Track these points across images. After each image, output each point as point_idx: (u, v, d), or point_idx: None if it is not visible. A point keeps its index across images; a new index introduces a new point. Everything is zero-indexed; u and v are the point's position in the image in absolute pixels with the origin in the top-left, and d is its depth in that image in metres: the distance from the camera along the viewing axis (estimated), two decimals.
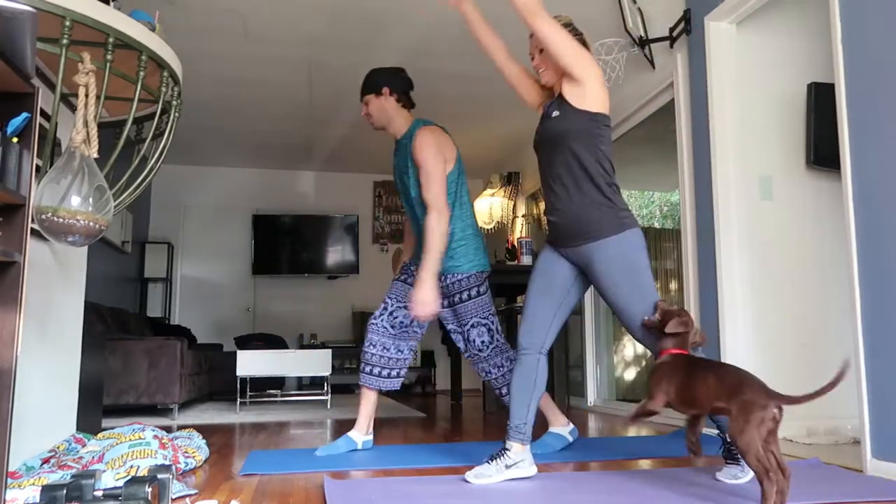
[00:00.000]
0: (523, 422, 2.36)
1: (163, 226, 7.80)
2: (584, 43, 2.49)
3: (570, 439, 3.07)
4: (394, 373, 3.07)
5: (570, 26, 2.51)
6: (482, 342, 2.99)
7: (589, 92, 2.34)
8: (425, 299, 2.72)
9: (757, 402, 1.79)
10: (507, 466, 2.31)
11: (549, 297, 2.42)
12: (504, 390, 3.02)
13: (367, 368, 3.05)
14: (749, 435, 1.75)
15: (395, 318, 3.06)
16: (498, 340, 3.01)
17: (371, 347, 3.05)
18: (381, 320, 3.06)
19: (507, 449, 2.34)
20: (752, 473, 2.23)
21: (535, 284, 2.45)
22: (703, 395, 1.91)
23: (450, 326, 3.08)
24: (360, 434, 3.06)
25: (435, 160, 2.87)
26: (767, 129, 3.61)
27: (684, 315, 2.12)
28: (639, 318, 2.25)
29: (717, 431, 2.40)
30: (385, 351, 3.05)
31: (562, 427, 3.08)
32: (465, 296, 2.98)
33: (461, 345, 3.07)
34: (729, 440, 2.28)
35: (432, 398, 6.73)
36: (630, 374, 5.86)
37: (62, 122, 2.45)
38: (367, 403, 3.06)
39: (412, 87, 3.11)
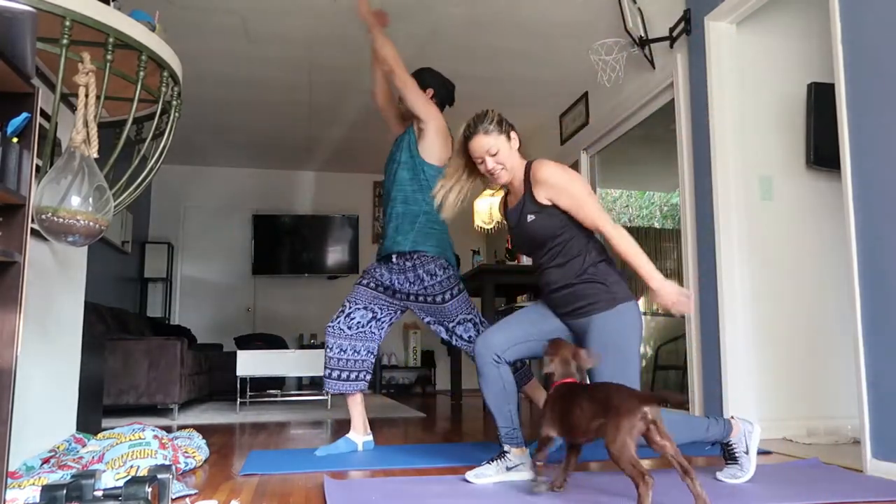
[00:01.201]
0: (511, 427, 2.36)
1: (163, 226, 7.80)
2: (512, 126, 2.50)
3: None
4: (353, 375, 3.04)
5: (500, 117, 2.48)
6: (469, 336, 3.01)
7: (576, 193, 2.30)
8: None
9: (623, 408, 1.82)
10: (508, 469, 2.32)
11: (527, 328, 2.41)
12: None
13: (327, 372, 3.05)
14: (620, 441, 1.78)
15: (352, 318, 3.05)
16: (483, 330, 3.01)
17: (328, 351, 3.06)
18: (338, 322, 3.06)
19: (506, 452, 2.35)
20: (751, 473, 2.23)
21: (527, 313, 2.47)
22: (581, 419, 1.94)
23: (427, 319, 3.08)
24: (360, 435, 3.06)
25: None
26: (767, 129, 3.61)
27: (550, 352, 2.15)
28: None
29: None
30: (342, 353, 3.03)
31: None
32: (455, 291, 3.00)
33: (445, 336, 3.08)
34: (724, 442, 2.29)
35: (432, 398, 6.73)
36: None
37: (62, 122, 2.45)
38: (354, 405, 3.07)
39: (452, 104, 3.22)
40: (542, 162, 2.35)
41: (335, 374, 3.03)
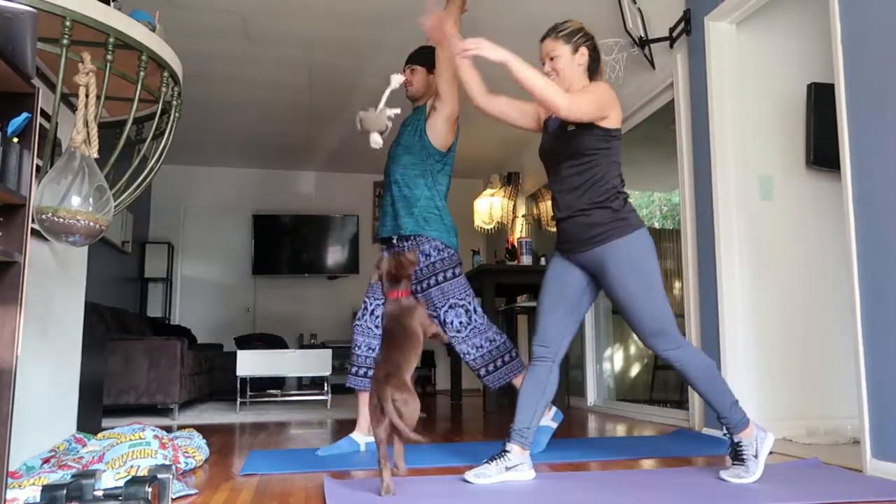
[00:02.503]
0: (527, 426, 2.36)
1: (163, 226, 7.80)
2: (595, 48, 2.49)
3: (555, 425, 3.06)
4: None
5: (580, 31, 2.47)
6: (459, 323, 2.98)
7: (610, 116, 2.35)
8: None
9: (371, 398, 2.09)
10: (507, 468, 2.31)
11: (562, 306, 2.43)
12: (483, 371, 3.01)
13: (354, 370, 3.05)
14: (374, 431, 2.05)
15: (376, 316, 3.06)
16: (476, 321, 3.00)
17: (356, 349, 3.05)
18: (365, 321, 3.06)
19: (507, 451, 2.34)
20: (757, 474, 2.23)
21: (548, 292, 2.46)
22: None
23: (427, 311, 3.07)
24: (363, 435, 3.06)
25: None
26: (767, 129, 3.61)
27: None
28: (646, 323, 2.27)
29: (724, 432, 2.41)
30: (370, 351, 3.04)
31: (545, 416, 3.06)
32: (448, 274, 2.99)
33: (439, 329, 3.06)
34: (734, 440, 2.29)
35: (432, 398, 6.73)
36: (630, 374, 5.86)
37: (62, 122, 2.45)
38: (364, 402, 3.06)
39: None
40: (598, 82, 2.41)
41: (362, 371, 3.04)
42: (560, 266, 2.45)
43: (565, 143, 2.38)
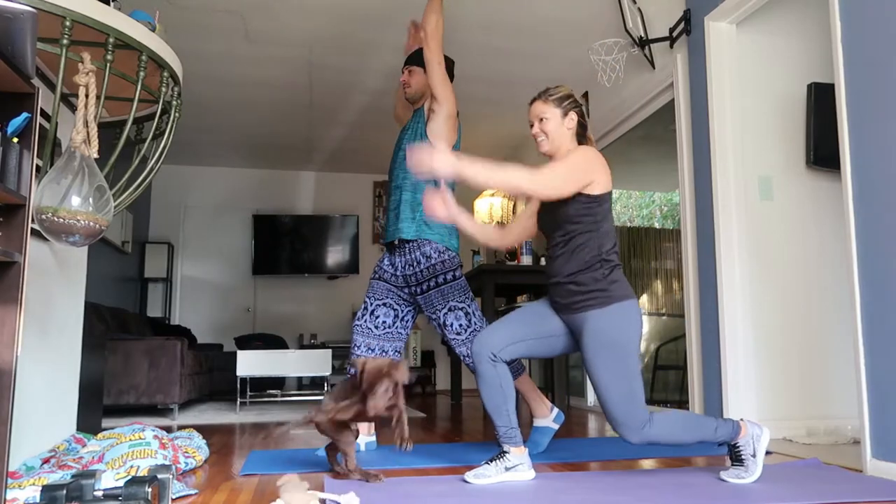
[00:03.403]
0: (509, 428, 2.36)
1: (163, 226, 7.80)
2: (583, 115, 2.50)
3: (556, 426, 3.05)
4: None
5: (570, 97, 2.48)
6: (459, 325, 2.98)
7: (599, 182, 2.33)
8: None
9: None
10: (507, 469, 2.31)
11: (526, 328, 2.42)
12: None
13: (353, 371, 3.04)
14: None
15: (377, 317, 3.05)
16: (476, 324, 2.99)
17: (356, 348, 3.04)
18: (364, 321, 3.05)
19: (506, 452, 2.35)
20: (755, 476, 2.23)
21: (523, 313, 2.46)
22: None
23: (426, 313, 3.07)
24: (363, 435, 3.06)
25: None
26: (767, 129, 3.61)
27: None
28: (612, 403, 2.22)
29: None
30: (369, 352, 3.03)
31: (545, 417, 3.06)
32: (448, 276, 2.99)
33: (438, 331, 3.07)
34: (731, 443, 2.29)
35: (432, 398, 6.73)
36: None
37: (62, 122, 2.45)
38: None
39: (452, 79, 3.20)
40: (582, 147, 2.40)
41: None
42: (548, 307, 2.46)
43: (552, 212, 2.39)
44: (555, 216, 2.39)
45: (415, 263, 2.99)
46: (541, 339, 2.42)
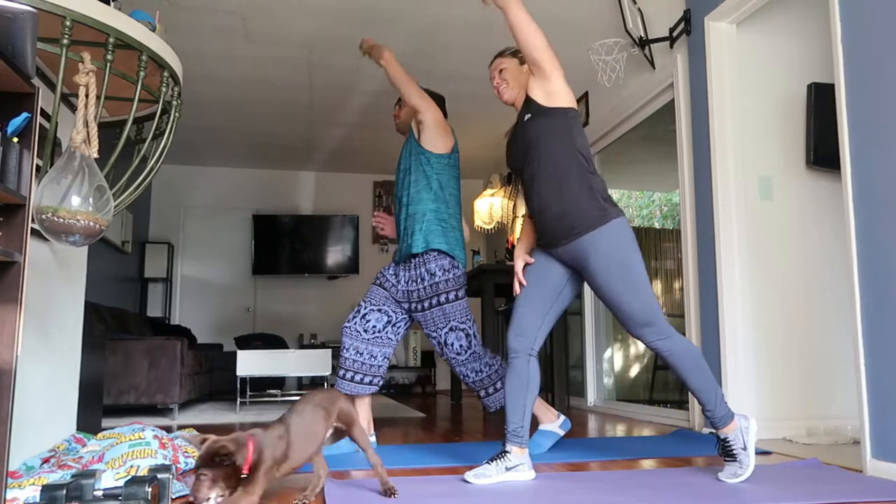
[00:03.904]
0: (519, 425, 2.36)
1: (163, 226, 7.80)
2: None
3: (562, 433, 3.06)
4: (367, 379, 3.00)
5: None
6: (460, 346, 2.98)
7: (557, 88, 2.37)
8: None
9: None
10: (507, 469, 2.31)
11: (539, 299, 2.42)
12: (482, 392, 3.05)
13: (341, 373, 3.02)
14: None
15: (368, 321, 3.02)
16: (475, 346, 2.99)
17: (345, 351, 3.03)
18: (354, 323, 3.03)
19: (507, 451, 2.34)
20: (751, 469, 2.24)
21: (531, 278, 2.46)
22: None
23: (426, 330, 3.06)
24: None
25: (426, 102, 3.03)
26: (767, 129, 3.61)
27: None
28: (634, 314, 2.25)
29: (709, 430, 2.41)
30: (358, 355, 3.00)
31: (551, 423, 3.07)
32: (451, 296, 2.97)
33: (437, 349, 3.05)
34: (720, 437, 2.29)
35: (432, 398, 6.73)
36: (630, 374, 5.86)
37: (62, 122, 2.45)
38: (362, 405, 3.05)
39: (445, 116, 3.23)
40: None
41: (349, 375, 3.00)
42: (540, 262, 2.45)
43: (526, 133, 2.40)
44: (529, 135, 2.39)
45: (418, 280, 2.97)
46: (553, 305, 2.43)
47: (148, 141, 2.56)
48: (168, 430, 3.14)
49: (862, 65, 2.52)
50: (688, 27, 3.76)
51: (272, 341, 6.96)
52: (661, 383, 5.95)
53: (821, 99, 3.53)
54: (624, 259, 2.25)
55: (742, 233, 3.48)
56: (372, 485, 2.22)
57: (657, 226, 8.05)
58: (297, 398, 6.34)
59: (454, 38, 4.71)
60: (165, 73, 2.28)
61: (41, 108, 1.86)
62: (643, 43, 4.15)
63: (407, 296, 3.01)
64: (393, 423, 4.27)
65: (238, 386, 5.38)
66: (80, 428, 2.98)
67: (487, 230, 7.34)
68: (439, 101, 3.26)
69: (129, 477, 1.81)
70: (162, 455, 2.38)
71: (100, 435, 2.59)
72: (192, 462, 2.61)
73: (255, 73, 5.28)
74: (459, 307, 2.98)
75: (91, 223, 1.92)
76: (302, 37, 4.70)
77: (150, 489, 1.74)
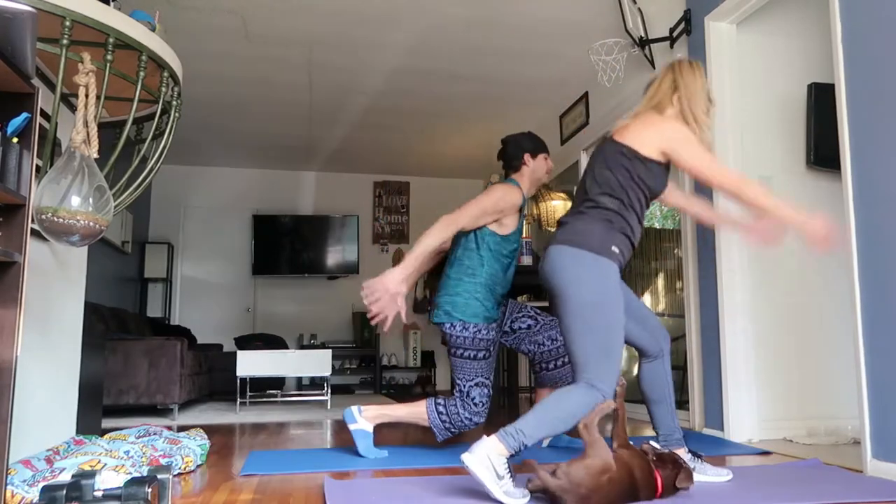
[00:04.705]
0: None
1: (163, 226, 7.80)
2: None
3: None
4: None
5: None
6: (528, 325, 3.11)
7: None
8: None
9: None
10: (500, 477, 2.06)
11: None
12: (551, 365, 3.09)
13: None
14: None
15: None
16: (543, 320, 3.12)
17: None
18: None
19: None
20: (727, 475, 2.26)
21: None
22: None
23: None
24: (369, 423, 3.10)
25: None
26: (767, 129, 3.61)
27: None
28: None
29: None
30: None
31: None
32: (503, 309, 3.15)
33: (505, 338, 3.16)
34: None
35: None
36: (630, 375, 5.86)
37: (62, 122, 2.45)
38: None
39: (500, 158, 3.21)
40: None
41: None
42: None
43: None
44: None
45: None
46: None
47: (148, 141, 2.56)
48: (168, 430, 3.14)
49: (862, 65, 2.52)
50: (688, 27, 3.76)
51: (272, 341, 6.95)
52: None
53: (821, 99, 3.53)
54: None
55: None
56: (372, 485, 2.22)
57: (657, 226, 8.04)
58: (298, 399, 6.34)
59: (454, 38, 4.71)
60: (165, 74, 2.28)
61: (41, 108, 1.86)
62: (643, 43, 4.15)
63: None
64: (393, 423, 4.26)
65: (238, 386, 5.38)
66: (79, 428, 2.97)
67: None
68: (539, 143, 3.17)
69: (130, 477, 1.81)
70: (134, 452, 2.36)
71: (107, 436, 2.59)
72: (177, 461, 2.60)
73: (255, 73, 5.27)
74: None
75: (91, 223, 1.92)
76: (302, 37, 4.70)
77: (150, 489, 1.74)
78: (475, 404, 2.93)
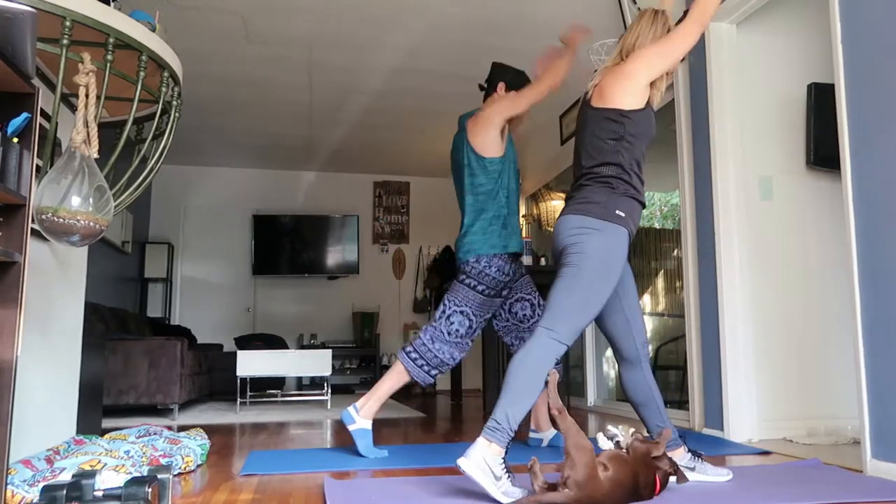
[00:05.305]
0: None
1: (163, 226, 7.80)
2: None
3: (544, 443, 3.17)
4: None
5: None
6: (524, 315, 3.09)
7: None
8: None
9: None
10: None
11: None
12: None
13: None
14: None
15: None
16: (540, 316, 3.05)
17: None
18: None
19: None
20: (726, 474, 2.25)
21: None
22: None
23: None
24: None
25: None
26: (767, 129, 3.61)
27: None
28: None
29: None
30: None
31: (543, 433, 3.15)
32: (520, 272, 3.15)
33: (501, 313, 3.12)
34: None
35: (432, 398, 6.73)
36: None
37: (62, 122, 2.45)
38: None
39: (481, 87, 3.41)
40: None
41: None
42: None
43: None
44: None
45: (507, 266, 3.13)
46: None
47: (148, 141, 2.56)
48: (168, 430, 3.14)
49: (862, 65, 2.52)
50: None
51: (272, 341, 6.96)
52: (661, 383, 5.94)
53: (821, 99, 3.53)
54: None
55: (742, 233, 3.47)
56: (372, 485, 2.22)
57: (657, 226, 8.04)
58: (298, 399, 6.34)
59: (453, 38, 4.71)
60: (165, 74, 2.28)
61: (41, 109, 1.86)
62: None
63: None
64: (393, 424, 4.27)
65: (238, 386, 5.38)
66: (79, 428, 2.97)
67: None
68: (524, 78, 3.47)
69: (130, 477, 1.81)
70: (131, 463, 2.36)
71: (107, 436, 2.59)
72: (177, 461, 2.61)
73: (255, 73, 5.27)
74: (528, 279, 3.22)
75: (91, 223, 1.92)
76: (302, 37, 4.70)
77: (150, 489, 1.74)
78: (450, 333, 2.95)
